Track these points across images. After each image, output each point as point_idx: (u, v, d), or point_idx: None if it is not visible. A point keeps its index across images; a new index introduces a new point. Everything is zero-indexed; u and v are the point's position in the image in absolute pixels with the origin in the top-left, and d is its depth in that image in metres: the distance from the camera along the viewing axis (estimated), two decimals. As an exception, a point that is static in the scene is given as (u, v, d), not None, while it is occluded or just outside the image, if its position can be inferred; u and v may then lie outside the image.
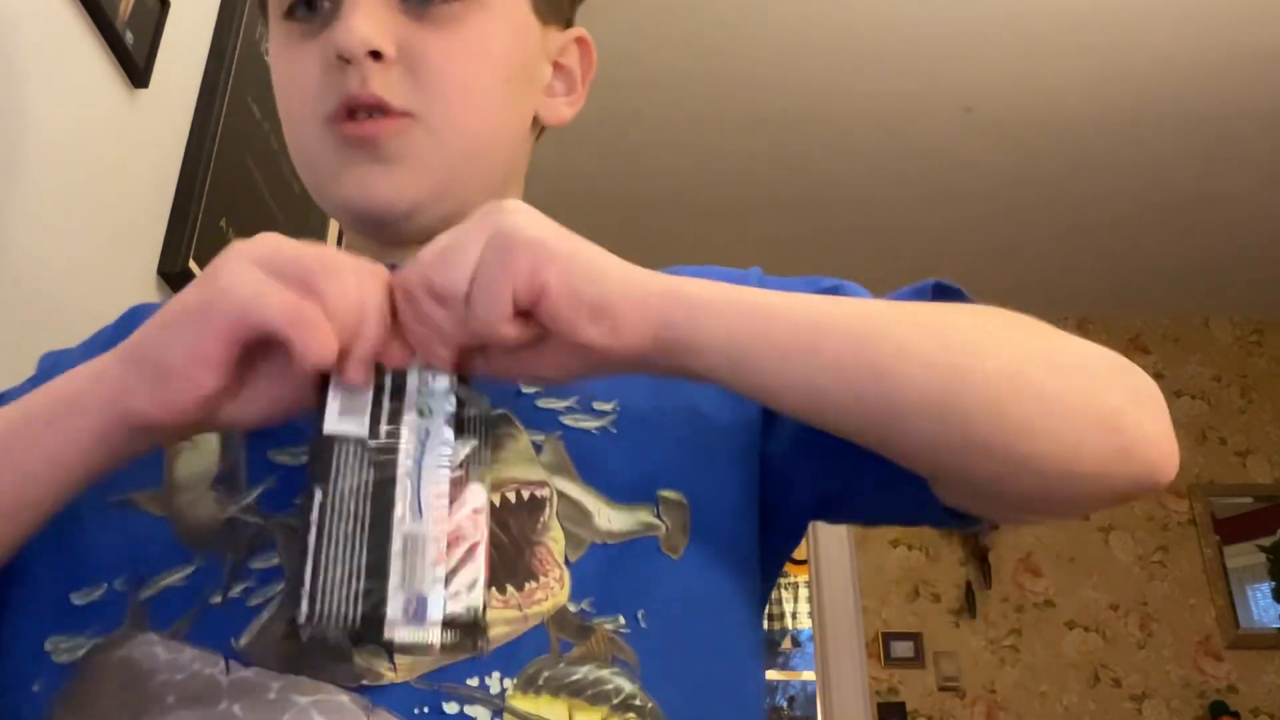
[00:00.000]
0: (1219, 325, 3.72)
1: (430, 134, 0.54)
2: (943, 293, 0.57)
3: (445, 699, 0.41)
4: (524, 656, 0.43)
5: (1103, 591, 3.33)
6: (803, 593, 5.64)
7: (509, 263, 0.40)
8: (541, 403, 0.52)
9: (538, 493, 0.48)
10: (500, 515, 0.47)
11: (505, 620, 0.44)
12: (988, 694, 3.22)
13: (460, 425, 0.43)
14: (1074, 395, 0.46)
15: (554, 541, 0.47)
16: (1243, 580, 3.34)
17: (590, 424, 0.52)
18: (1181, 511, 3.44)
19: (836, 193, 3.08)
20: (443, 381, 0.43)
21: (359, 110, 0.53)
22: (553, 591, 0.46)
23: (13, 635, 0.48)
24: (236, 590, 0.45)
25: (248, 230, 1.17)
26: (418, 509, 0.40)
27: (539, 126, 0.63)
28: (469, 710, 0.41)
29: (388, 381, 0.42)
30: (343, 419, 0.41)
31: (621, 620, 0.46)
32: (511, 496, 0.48)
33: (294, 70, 0.56)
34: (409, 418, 0.42)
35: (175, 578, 0.46)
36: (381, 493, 0.39)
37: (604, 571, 0.47)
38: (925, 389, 0.43)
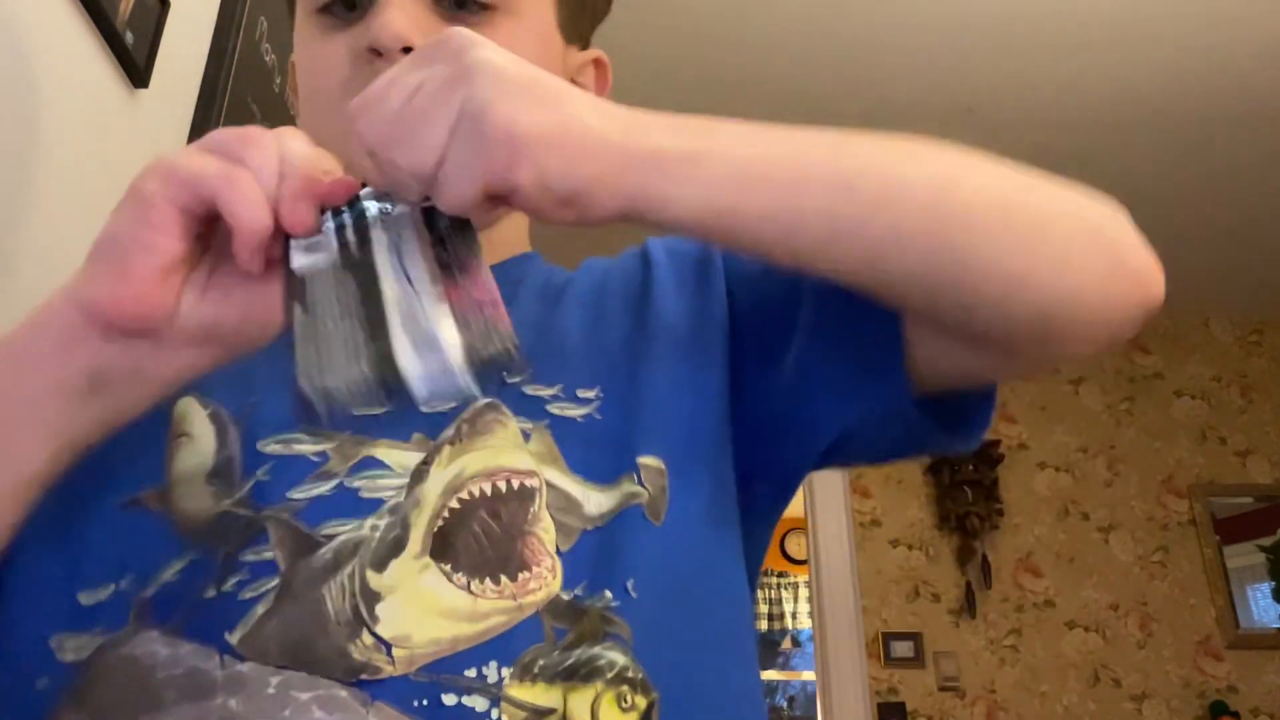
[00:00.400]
0: (1219, 325, 3.72)
1: None
2: None
3: (444, 690, 0.42)
4: (519, 645, 0.44)
5: (1103, 591, 3.33)
6: (803, 593, 5.65)
7: (479, 158, 0.39)
8: (528, 390, 0.53)
9: (527, 482, 0.48)
10: (492, 504, 0.47)
11: (500, 611, 0.44)
12: (988, 694, 3.22)
13: (437, 237, 0.42)
14: (1059, 212, 0.47)
15: (545, 532, 0.48)
16: (1243, 580, 3.34)
17: (575, 412, 0.53)
18: (1181, 511, 3.44)
19: (836, 193, 3.08)
20: (402, 207, 0.42)
21: None
22: (546, 581, 0.46)
23: (16, 633, 0.48)
24: (229, 584, 0.45)
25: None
26: (410, 288, 0.39)
27: None
28: (467, 701, 0.42)
29: (347, 218, 0.41)
30: (309, 253, 0.40)
31: (609, 595, 0.46)
32: (502, 486, 0.48)
33: (323, 60, 0.57)
34: (377, 235, 0.41)
35: (170, 573, 0.46)
36: (368, 290, 0.39)
37: (594, 555, 0.47)
38: (916, 222, 0.43)
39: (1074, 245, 0.45)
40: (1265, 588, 3.32)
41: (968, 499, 3.38)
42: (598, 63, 0.67)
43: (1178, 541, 3.40)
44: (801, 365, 0.54)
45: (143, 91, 0.98)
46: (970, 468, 3.42)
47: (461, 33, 0.41)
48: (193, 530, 0.48)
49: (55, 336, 0.41)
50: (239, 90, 1.15)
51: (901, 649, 3.23)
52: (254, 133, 0.41)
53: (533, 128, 0.39)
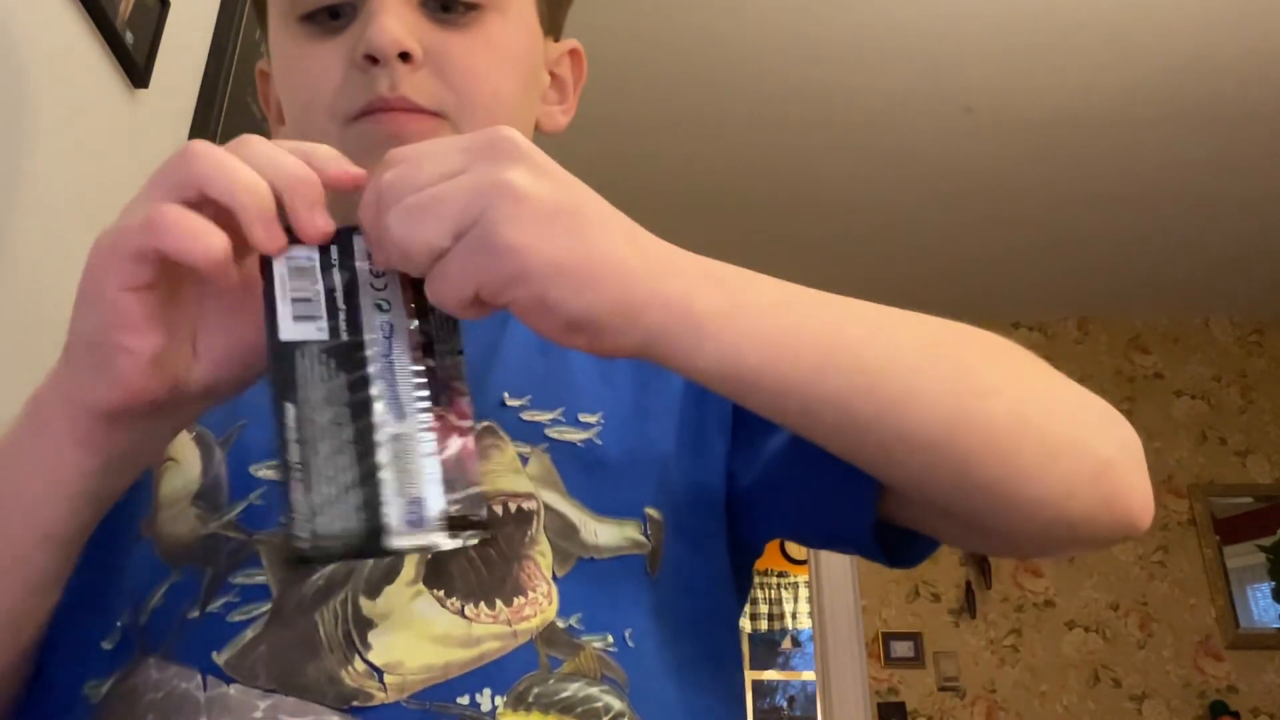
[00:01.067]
0: (1219, 325, 3.72)
1: (456, 134, 0.54)
2: None
3: (436, 718, 0.41)
4: (514, 673, 0.43)
5: (1103, 591, 3.33)
6: (803, 593, 5.65)
7: (476, 268, 0.36)
8: (526, 415, 0.52)
9: (525, 505, 0.48)
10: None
11: (495, 636, 0.44)
12: (988, 694, 3.22)
13: (422, 311, 0.40)
14: (1071, 443, 0.45)
15: (541, 556, 0.47)
16: (1243, 580, 3.34)
17: (576, 436, 0.52)
18: (1181, 511, 3.44)
19: (836, 193, 3.08)
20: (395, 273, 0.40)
21: (387, 111, 0.53)
22: (541, 608, 0.45)
23: (56, 679, 0.47)
24: (215, 604, 0.45)
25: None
26: (398, 406, 0.37)
27: (536, 133, 0.64)
28: None
29: (338, 279, 0.39)
30: (298, 324, 0.37)
31: (610, 639, 0.46)
32: (499, 509, 0.47)
33: (310, 70, 0.55)
34: (368, 313, 0.39)
35: (157, 598, 0.46)
36: (357, 395, 0.37)
37: (592, 588, 0.47)
38: (930, 431, 0.42)
39: (1078, 480, 0.44)
40: (1265, 588, 3.32)
41: (968, 499, 3.37)
42: (574, 53, 0.67)
43: (1178, 541, 3.39)
44: (780, 463, 0.53)
45: (143, 91, 0.98)
46: (970, 468, 3.41)
47: (513, 139, 0.39)
48: (176, 552, 0.47)
49: (65, 438, 0.40)
50: (239, 90, 1.15)
51: (901, 649, 3.23)
52: (199, 157, 0.38)
53: (542, 254, 0.36)
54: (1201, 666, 3.22)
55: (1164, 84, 2.58)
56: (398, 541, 0.35)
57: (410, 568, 0.45)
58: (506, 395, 0.52)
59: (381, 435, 0.36)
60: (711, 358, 0.40)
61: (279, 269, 0.38)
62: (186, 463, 0.50)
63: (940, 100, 2.66)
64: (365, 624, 0.43)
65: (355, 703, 0.41)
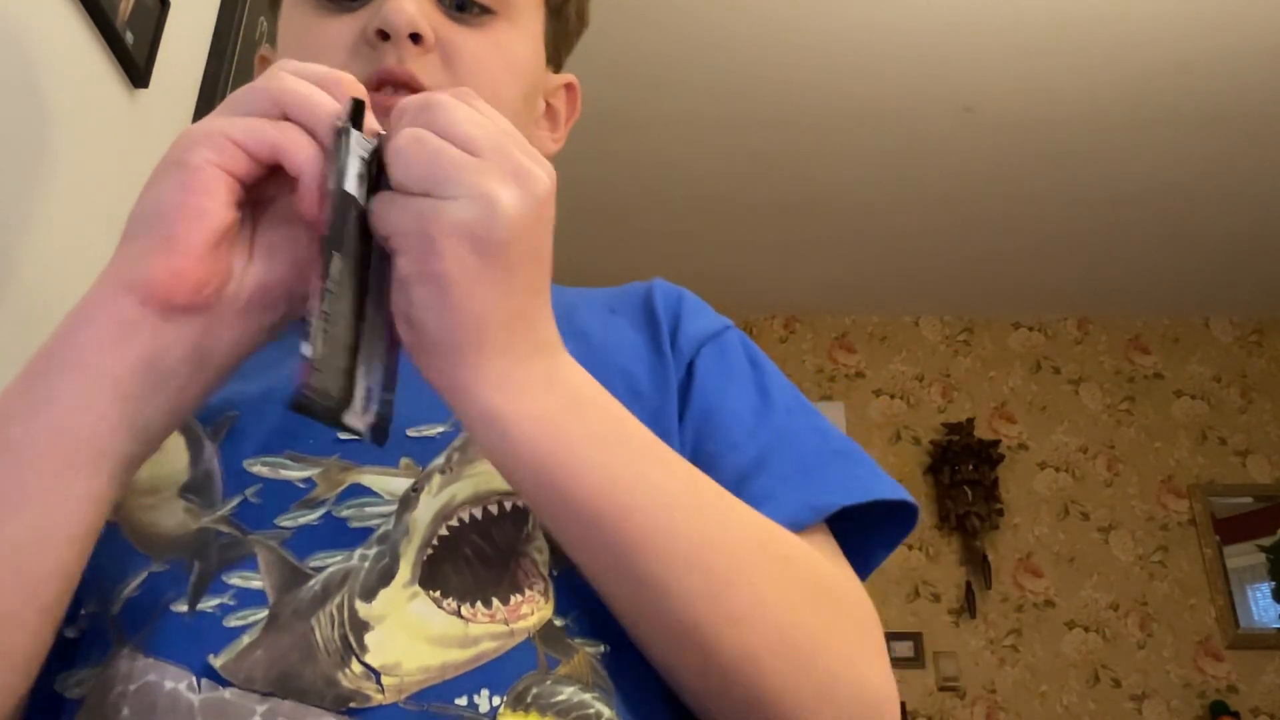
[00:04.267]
0: (1219, 325, 3.72)
1: None
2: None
3: (434, 719, 0.41)
4: (512, 673, 0.43)
5: (1103, 591, 3.33)
6: (803, 593, 5.65)
7: (428, 285, 0.37)
8: None
9: (520, 503, 0.47)
10: (483, 528, 0.46)
11: (492, 636, 0.44)
12: (988, 694, 3.22)
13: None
14: (784, 704, 0.44)
15: (538, 552, 0.47)
16: (1243, 580, 3.34)
17: None
18: (1181, 511, 3.44)
19: (835, 193, 3.08)
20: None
21: (388, 86, 0.53)
22: (538, 605, 0.45)
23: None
24: (209, 604, 0.44)
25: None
26: (376, 300, 0.39)
27: None
28: None
29: (373, 166, 0.40)
30: (354, 184, 0.39)
31: (603, 647, 0.46)
32: (494, 509, 0.47)
33: (317, 44, 0.56)
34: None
35: (131, 587, 0.45)
36: (364, 266, 0.39)
37: (585, 591, 0.46)
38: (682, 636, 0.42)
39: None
40: (1265, 588, 3.32)
41: (968, 499, 3.38)
42: (569, 87, 0.68)
43: (1178, 541, 3.40)
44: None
45: (143, 91, 0.98)
46: (970, 467, 3.42)
47: (548, 187, 0.40)
48: (158, 543, 0.47)
49: (106, 328, 0.38)
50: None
51: (901, 649, 3.23)
52: (277, 81, 0.40)
53: (483, 331, 0.39)
54: (1201, 666, 3.22)
55: (1164, 84, 2.58)
56: (350, 419, 0.37)
57: (406, 569, 0.45)
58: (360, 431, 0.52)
59: (367, 318, 0.39)
60: (487, 451, 0.42)
61: (355, 132, 0.40)
62: (171, 451, 0.50)
63: (940, 100, 2.66)
64: (361, 626, 0.43)
65: (353, 704, 0.41)
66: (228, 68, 1.13)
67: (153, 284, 0.37)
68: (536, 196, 0.39)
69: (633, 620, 0.44)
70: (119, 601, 0.45)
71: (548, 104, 0.66)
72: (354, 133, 0.39)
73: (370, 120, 0.41)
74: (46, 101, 0.82)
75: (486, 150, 0.38)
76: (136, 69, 0.94)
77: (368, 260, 0.39)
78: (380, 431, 0.39)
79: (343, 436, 0.48)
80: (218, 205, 0.38)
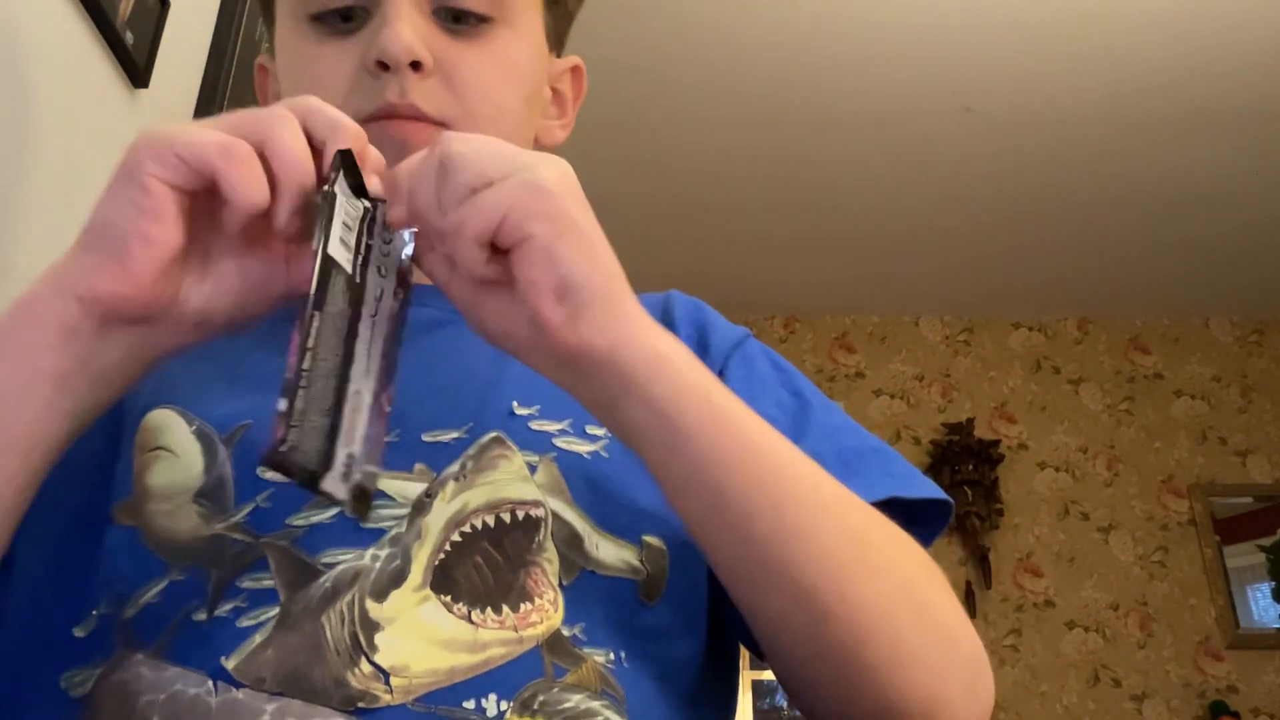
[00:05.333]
0: (1219, 325, 3.72)
1: None
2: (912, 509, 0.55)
3: None
4: (519, 680, 0.43)
5: (1103, 591, 3.33)
6: (803, 593, 5.64)
7: (516, 196, 0.40)
8: (535, 425, 0.52)
9: (533, 512, 0.48)
10: (495, 535, 0.47)
11: (501, 642, 0.44)
12: (988, 694, 3.21)
13: (405, 302, 0.43)
14: (922, 662, 0.46)
15: (548, 562, 0.47)
16: (1243, 580, 3.34)
17: (583, 448, 0.52)
18: (1181, 511, 3.44)
19: (835, 193, 3.08)
20: (406, 248, 0.44)
21: (394, 118, 0.53)
22: (547, 614, 0.45)
23: (28, 666, 0.47)
24: (224, 608, 0.44)
25: (248, 230, 1.18)
26: (365, 366, 0.40)
27: (535, 146, 0.65)
28: None
29: (362, 230, 0.42)
30: (339, 248, 0.40)
31: (611, 656, 0.46)
32: (506, 517, 0.47)
33: (319, 71, 0.55)
34: (372, 270, 0.42)
35: (151, 594, 0.45)
36: (348, 335, 0.40)
37: (594, 601, 0.47)
38: (802, 595, 0.44)
39: (910, 703, 0.46)
40: (1265, 588, 3.32)
41: (968, 499, 3.37)
42: (575, 70, 0.68)
43: (1178, 541, 3.40)
44: None
45: (143, 91, 0.98)
46: (970, 467, 3.42)
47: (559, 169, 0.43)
48: (173, 549, 0.47)
49: (51, 331, 0.39)
50: (239, 90, 1.15)
51: (901, 649, 3.23)
52: (268, 121, 0.40)
53: (574, 212, 0.41)
54: (1201, 666, 3.22)
55: (1164, 84, 2.58)
56: (329, 485, 0.37)
57: (418, 573, 0.45)
58: (515, 404, 0.52)
59: (351, 384, 0.39)
60: (655, 406, 0.42)
61: (341, 193, 0.41)
62: (187, 457, 0.49)
63: (940, 100, 2.66)
64: (372, 627, 0.43)
65: (361, 705, 0.41)
66: (228, 68, 1.14)
67: (100, 300, 0.39)
68: (566, 174, 0.43)
69: (750, 578, 0.45)
70: (135, 606, 0.45)
71: (554, 90, 0.66)
72: (340, 197, 0.40)
73: (374, 154, 0.43)
74: (47, 101, 0.82)
75: (512, 156, 0.42)
76: (136, 69, 0.94)
77: (354, 328, 0.40)
78: (362, 503, 0.39)
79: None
80: (167, 231, 0.38)
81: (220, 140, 0.39)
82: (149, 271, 0.38)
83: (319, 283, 0.38)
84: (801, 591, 0.43)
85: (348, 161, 0.41)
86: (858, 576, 0.44)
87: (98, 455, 0.50)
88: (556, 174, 0.41)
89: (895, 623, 0.44)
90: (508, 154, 0.41)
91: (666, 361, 0.42)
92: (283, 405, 0.36)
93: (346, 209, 0.40)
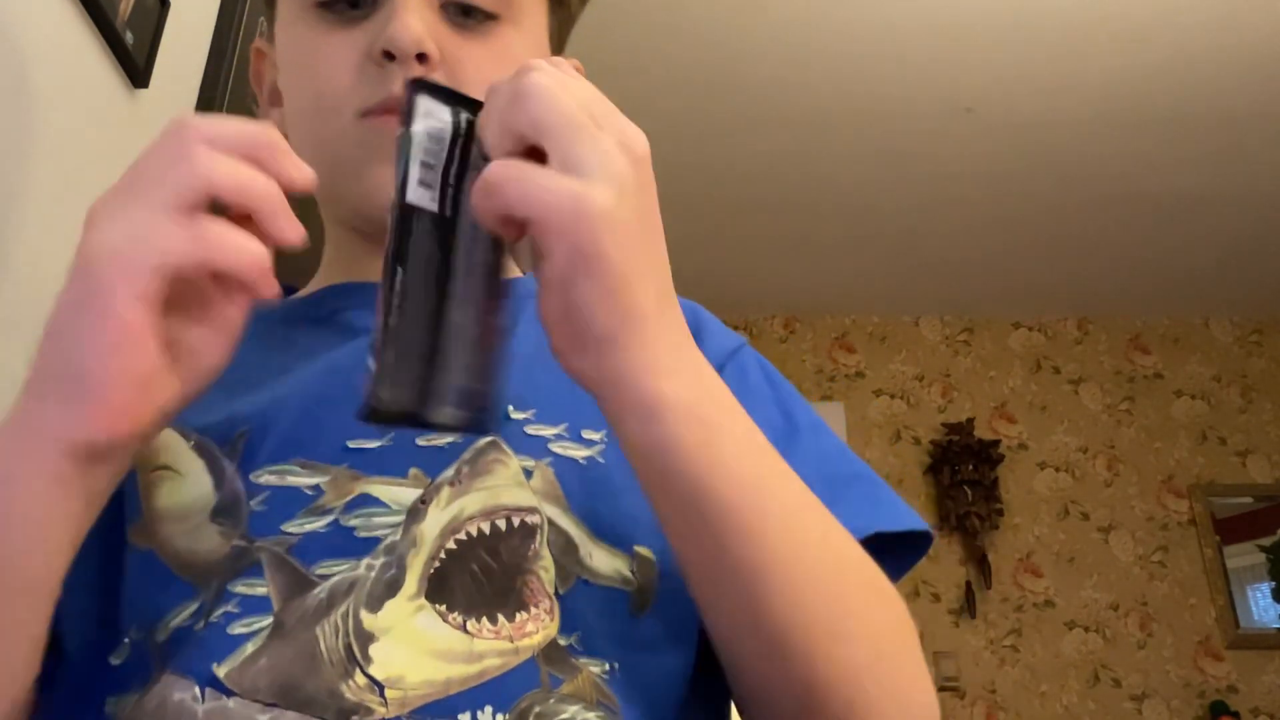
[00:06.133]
0: (1219, 325, 3.72)
1: None
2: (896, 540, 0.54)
3: None
4: (515, 691, 0.43)
5: (1103, 591, 3.33)
6: (803, 593, 5.65)
7: (548, 206, 0.36)
8: (530, 429, 0.51)
9: (528, 519, 0.47)
10: (491, 543, 0.46)
11: (497, 652, 0.43)
12: (988, 694, 3.22)
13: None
14: (877, 715, 0.45)
15: (544, 571, 0.46)
16: (1243, 580, 3.34)
17: (579, 453, 0.51)
18: (1181, 511, 3.44)
19: (835, 193, 3.08)
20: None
21: (398, 113, 0.53)
22: (543, 624, 0.45)
23: (84, 705, 0.46)
24: (217, 614, 0.44)
25: (248, 230, 1.18)
26: (466, 293, 0.39)
27: None
28: None
29: (455, 154, 0.40)
30: (419, 189, 0.38)
31: (606, 666, 0.45)
32: (502, 524, 0.47)
33: (325, 61, 0.55)
34: (466, 196, 0.40)
35: (182, 617, 0.45)
36: (442, 272, 0.39)
37: (589, 610, 0.46)
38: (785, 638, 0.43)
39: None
40: (1265, 588, 3.32)
41: (968, 499, 3.38)
42: (575, 70, 0.67)
43: (1178, 541, 3.40)
44: None
45: (143, 91, 0.98)
46: (970, 468, 3.42)
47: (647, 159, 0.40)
48: (199, 569, 0.46)
49: (38, 485, 0.37)
50: (239, 90, 1.15)
51: (901, 649, 3.23)
52: (198, 159, 0.36)
53: (626, 215, 0.38)
54: (1201, 666, 3.22)
55: (1164, 84, 2.58)
56: (437, 417, 0.38)
57: (413, 581, 0.45)
58: (511, 408, 0.51)
59: (449, 317, 0.38)
60: (639, 447, 0.41)
61: (419, 129, 0.38)
62: (193, 475, 0.49)
63: (940, 100, 2.66)
64: (366, 638, 0.43)
65: (355, 717, 0.40)
66: (228, 68, 1.13)
67: (88, 443, 0.36)
68: (645, 158, 0.39)
69: (730, 627, 0.44)
70: (165, 629, 0.45)
71: None
72: (415, 134, 0.38)
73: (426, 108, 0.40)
74: (47, 101, 0.82)
75: (599, 116, 0.38)
76: (136, 69, 0.94)
77: (449, 264, 0.39)
78: (480, 419, 0.39)
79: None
80: (140, 358, 0.35)
81: (192, 233, 0.35)
82: (134, 403, 0.36)
83: (398, 237, 0.37)
84: (775, 648, 0.42)
85: (424, 86, 0.39)
86: (832, 642, 0.43)
87: None
88: (614, 188, 0.37)
89: (858, 683, 0.43)
90: (583, 112, 0.38)
91: (661, 412, 0.39)
92: (372, 365, 0.36)
93: (426, 143, 0.38)
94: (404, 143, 0.38)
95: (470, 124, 0.40)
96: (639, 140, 0.39)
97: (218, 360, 0.40)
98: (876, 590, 0.47)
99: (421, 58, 0.52)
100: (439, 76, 0.53)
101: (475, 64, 0.55)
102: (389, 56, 0.52)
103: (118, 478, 0.40)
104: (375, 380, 0.36)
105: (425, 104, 0.39)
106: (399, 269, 0.37)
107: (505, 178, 0.37)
